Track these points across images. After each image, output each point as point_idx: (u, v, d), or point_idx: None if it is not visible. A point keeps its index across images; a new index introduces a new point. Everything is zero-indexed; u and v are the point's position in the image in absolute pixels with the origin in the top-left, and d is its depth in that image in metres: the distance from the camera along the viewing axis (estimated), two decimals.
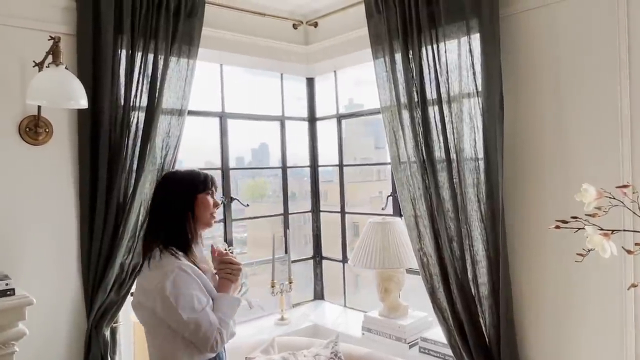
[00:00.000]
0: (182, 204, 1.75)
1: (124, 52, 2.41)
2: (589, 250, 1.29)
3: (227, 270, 1.82)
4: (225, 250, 1.94)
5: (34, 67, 2.15)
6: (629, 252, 1.35)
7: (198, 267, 1.73)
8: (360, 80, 3.64)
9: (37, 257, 2.29)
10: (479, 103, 2.21)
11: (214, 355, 1.73)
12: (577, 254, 1.32)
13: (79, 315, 2.39)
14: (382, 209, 3.24)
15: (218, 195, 1.92)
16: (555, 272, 2.15)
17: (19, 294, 1.88)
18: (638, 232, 1.47)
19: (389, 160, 2.73)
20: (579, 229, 1.29)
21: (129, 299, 2.46)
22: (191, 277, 1.65)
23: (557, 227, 1.32)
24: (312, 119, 3.80)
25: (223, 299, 1.73)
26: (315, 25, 3.35)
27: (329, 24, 3.26)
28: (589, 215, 1.30)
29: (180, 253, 1.70)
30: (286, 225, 3.68)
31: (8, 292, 1.85)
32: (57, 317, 2.35)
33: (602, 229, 1.25)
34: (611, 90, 1.95)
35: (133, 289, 2.37)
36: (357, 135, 3.93)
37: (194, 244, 1.78)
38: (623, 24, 1.91)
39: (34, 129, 2.26)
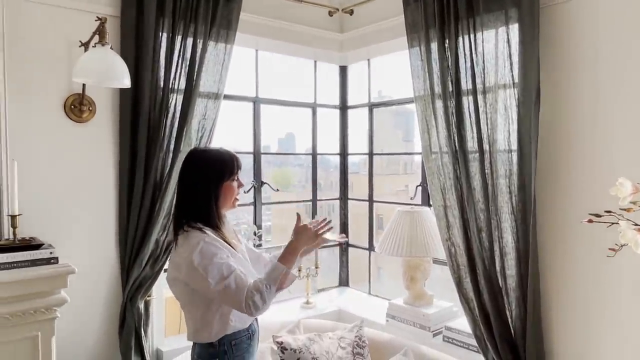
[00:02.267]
0: (207, 189, 1.78)
1: (164, 35, 2.48)
2: (621, 246, 1.28)
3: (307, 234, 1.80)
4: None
5: (80, 47, 2.24)
6: None
7: (227, 242, 1.77)
8: (389, 73, 3.63)
9: (78, 230, 2.40)
10: (514, 94, 2.19)
11: (246, 326, 1.80)
12: (609, 249, 1.31)
13: (116, 287, 2.50)
14: (411, 198, 3.25)
15: (243, 177, 1.93)
16: (585, 266, 2.13)
17: (62, 262, 1.98)
18: None
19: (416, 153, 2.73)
20: (613, 223, 1.29)
21: (163, 274, 2.56)
22: (216, 246, 1.69)
23: (590, 221, 1.32)
24: (343, 107, 3.83)
25: (274, 265, 1.73)
26: (351, 12, 3.35)
27: (365, 12, 3.26)
28: (624, 209, 1.29)
29: (207, 228, 1.75)
30: (314, 212, 3.72)
31: (52, 260, 1.96)
32: (95, 288, 2.46)
33: (636, 224, 1.24)
34: None
35: (167, 265, 2.47)
36: (385, 128, 3.93)
37: (220, 223, 1.82)
38: None
39: (78, 106, 2.35)
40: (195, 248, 1.67)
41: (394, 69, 3.51)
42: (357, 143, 3.83)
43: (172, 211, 1.93)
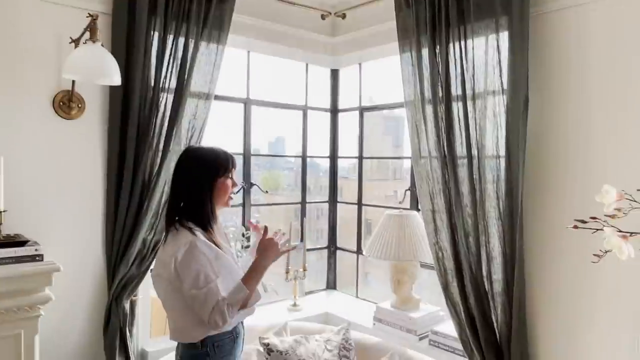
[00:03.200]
0: (201, 185, 1.78)
1: (156, 34, 2.46)
2: (606, 252, 1.30)
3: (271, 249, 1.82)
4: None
5: (70, 43, 2.22)
6: None
7: (215, 244, 1.77)
8: (380, 78, 3.65)
9: (64, 228, 2.38)
10: (503, 101, 2.21)
11: (230, 328, 1.79)
12: (594, 255, 1.33)
13: (101, 286, 2.48)
14: (400, 202, 3.26)
15: (237, 176, 1.92)
16: (570, 272, 2.16)
17: (47, 260, 1.96)
18: None
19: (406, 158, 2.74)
20: (598, 229, 1.31)
21: (149, 273, 2.54)
22: (201, 252, 1.68)
23: (576, 227, 1.34)
24: (334, 110, 3.84)
25: (238, 287, 1.74)
26: (344, 16, 3.37)
27: (357, 16, 3.28)
28: (608, 216, 1.31)
29: (198, 229, 1.75)
30: (303, 214, 3.72)
31: (37, 258, 1.93)
32: (80, 287, 2.43)
33: (620, 231, 1.26)
34: (638, 93, 1.95)
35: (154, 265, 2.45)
36: (375, 134, 3.95)
37: (213, 222, 1.82)
38: None
39: (67, 103, 2.33)
40: (182, 248, 1.68)
41: (385, 74, 3.53)
42: (347, 147, 3.85)
43: (165, 209, 1.93)
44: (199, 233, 1.74)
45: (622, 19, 1.99)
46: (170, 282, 1.72)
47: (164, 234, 1.82)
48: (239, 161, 3.32)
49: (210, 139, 2.94)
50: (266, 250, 1.82)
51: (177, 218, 1.77)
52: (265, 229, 1.86)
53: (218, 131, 3.16)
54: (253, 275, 1.78)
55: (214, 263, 1.71)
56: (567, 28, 2.15)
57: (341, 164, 3.90)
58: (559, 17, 2.17)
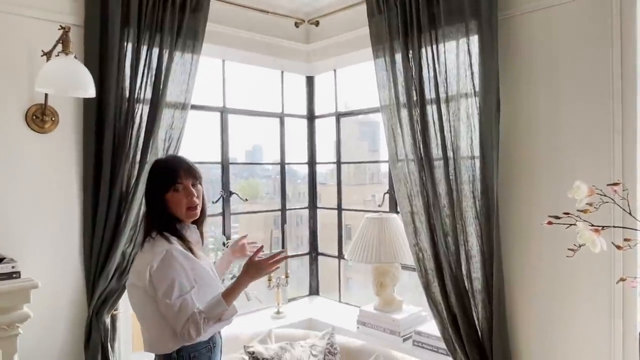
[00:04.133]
0: (152, 200, 1.82)
1: (130, 45, 2.45)
2: (579, 246, 1.35)
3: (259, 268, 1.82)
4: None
5: (42, 56, 2.19)
6: (618, 247, 1.41)
7: (192, 253, 1.78)
8: (355, 84, 3.69)
9: (41, 243, 2.33)
10: (476, 103, 2.27)
11: (206, 339, 1.79)
12: (569, 249, 1.38)
13: (81, 301, 2.43)
14: (379, 205, 3.30)
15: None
16: (546, 266, 2.21)
17: (25, 277, 1.92)
18: (627, 228, 1.53)
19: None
20: (571, 224, 1.35)
21: None
22: (178, 262, 1.69)
23: (550, 222, 1.38)
24: (311, 117, 3.86)
25: (217, 301, 1.73)
26: (317, 24, 3.40)
27: (330, 23, 3.32)
28: (581, 211, 1.35)
29: (174, 238, 1.76)
30: (284, 221, 3.73)
31: (14, 275, 1.89)
32: (59, 303, 2.38)
33: (592, 225, 1.31)
34: (604, 92, 2.02)
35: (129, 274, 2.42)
36: (352, 140, 3.99)
37: (184, 231, 1.83)
38: (617, 28, 1.98)
39: (40, 117, 2.30)
40: (158, 256, 1.68)
41: (359, 79, 3.58)
42: (324, 153, 3.88)
43: (141, 220, 1.94)
44: (175, 242, 1.74)
45: (585, 20, 2.07)
46: (145, 291, 1.71)
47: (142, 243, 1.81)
48: (217, 170, 3.33)
49: (188, 149, 2.92)
50: (251, 268, 1.81)
51: (152, 228, 1.78)
52: (260, 248, 1.87)
53: (195, 141, 3.15)
54: (235, 291, 1.78)
55: (190, 273, 1.72)
56: (534, 30, 2.22)
57: (319, 170, 3.92)
58: (527, 20, 2.24)
